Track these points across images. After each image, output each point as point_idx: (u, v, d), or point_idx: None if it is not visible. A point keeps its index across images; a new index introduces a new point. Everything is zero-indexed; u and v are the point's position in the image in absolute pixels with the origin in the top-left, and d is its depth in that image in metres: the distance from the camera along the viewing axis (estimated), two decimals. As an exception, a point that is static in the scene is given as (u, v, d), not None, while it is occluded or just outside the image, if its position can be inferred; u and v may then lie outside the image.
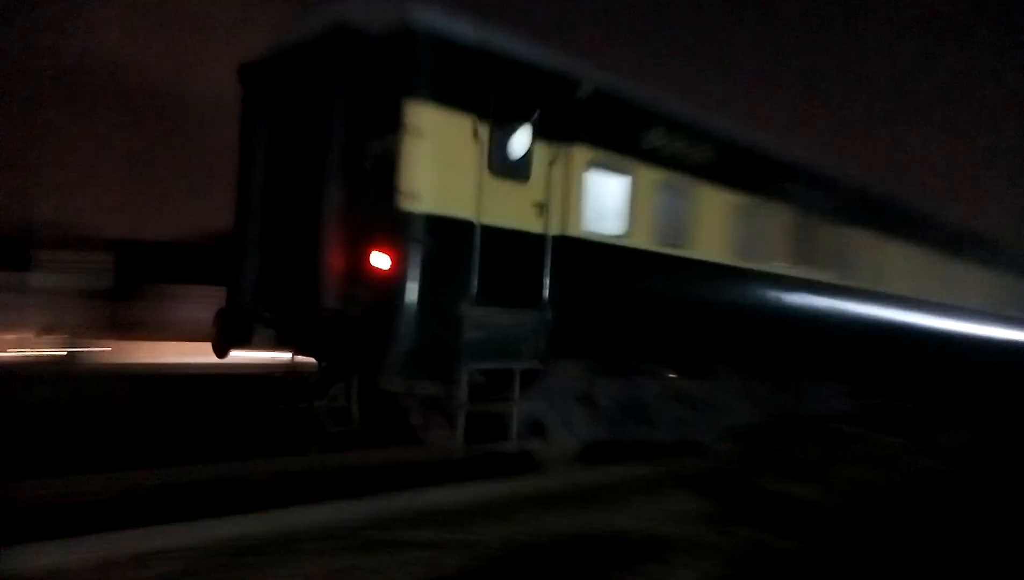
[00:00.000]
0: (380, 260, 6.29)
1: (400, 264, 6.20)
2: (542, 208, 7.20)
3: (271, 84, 7.62)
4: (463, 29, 6.69)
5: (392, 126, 6.24)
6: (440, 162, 6.37)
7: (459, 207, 6.55)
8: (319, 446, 7.66)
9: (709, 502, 7.11)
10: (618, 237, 7.99)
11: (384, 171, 6.29)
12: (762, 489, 7.94)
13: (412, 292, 6.20)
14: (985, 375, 16.52)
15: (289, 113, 7.42)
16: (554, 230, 7.28)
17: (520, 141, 7.07)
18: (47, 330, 21.43)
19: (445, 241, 6.42)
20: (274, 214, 7.51)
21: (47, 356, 19.86)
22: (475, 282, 6.65)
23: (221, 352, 7.68)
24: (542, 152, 7.19)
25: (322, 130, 6.70)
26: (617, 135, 7.94)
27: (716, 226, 9.15)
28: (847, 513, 7.19)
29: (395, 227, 6.23)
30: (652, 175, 8.26)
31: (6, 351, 19.83)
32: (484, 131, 6.67)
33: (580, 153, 7.46)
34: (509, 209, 6.94)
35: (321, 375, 7.59)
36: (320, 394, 7.48)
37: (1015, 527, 7.05)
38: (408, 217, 6.21)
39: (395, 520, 5.84)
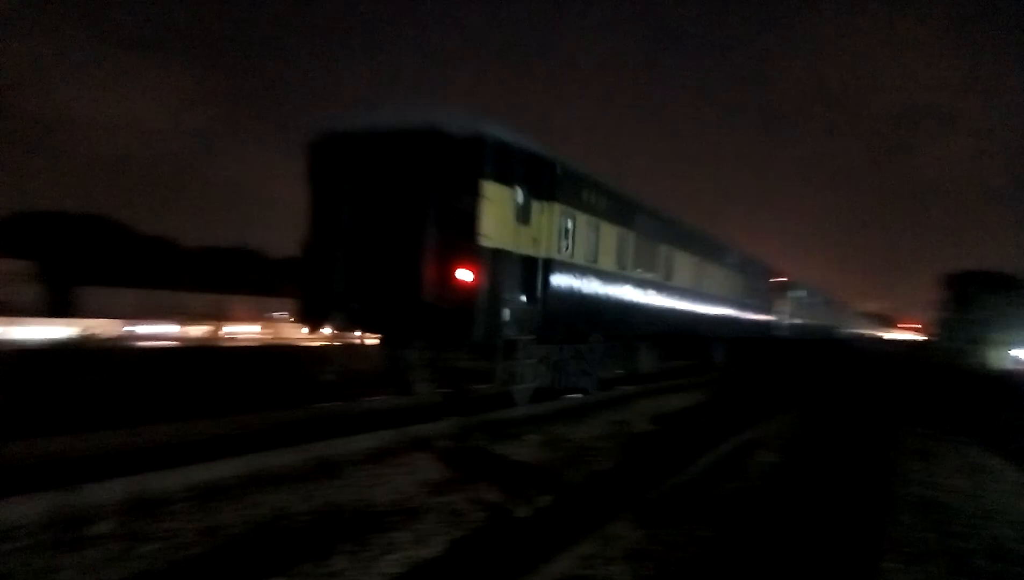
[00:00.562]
0: (464, 274, 10.31)
1: (477, 277, 10.33)
2: (536, 241, 11.75)
3: (357, 152, 11.07)
4: (507, 135, 11.05)
5: (471, 194, 10.41)
6: (497, 216, 10.66)
7: (506, 242, 10.91)
8: (396, 391, 12.32)
9: (452, 468, 7.77)
10: (570, 257, 12.97)
11: (466, 221, 10.37)
12: (495, 454, 8.79)
13: (484, 294, 10.37)
14: (735, 339, 25.83)
15: (378, 175, 10.95)
16: (543, 254, 11.94)
17: (528, 200, 11.50)
18: None
19: (500, 263, 10.72)
20: (361, 241, 10.95)
21: None
22: (513, 287, 11.08)
23: (313, 329, 11.70)
24: (537, 206, 11.77)
25: (419, 192, 10.60)
26: (571, 195, 12.94)
27: (608, 247, 14.73)
28: (561, 472, 8.21)
29: (474, 254, 10.34)
30: (584, 218, 13.50)
31: None
32: (514, 195, 11.05)
33: (556, 207, 12.32)
34: (524, 242, 11.41)
35: (387, 349, 12.06)
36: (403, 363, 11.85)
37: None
38: (482, 249, 10.39)
39: (105, 510, 5.62)
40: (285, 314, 44.82)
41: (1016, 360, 52.17)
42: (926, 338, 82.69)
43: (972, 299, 50.02)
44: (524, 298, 11.51)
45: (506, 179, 10.83)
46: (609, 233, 14.66)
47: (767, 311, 30.03)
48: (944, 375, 31.56)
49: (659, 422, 12.38)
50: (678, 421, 12.74)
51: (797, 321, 35.19)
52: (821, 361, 34.96)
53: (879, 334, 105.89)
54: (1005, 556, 6.30)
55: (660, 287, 17.87)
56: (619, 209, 15.12)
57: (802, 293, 36.73)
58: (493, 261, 10.56)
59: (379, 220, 10.89)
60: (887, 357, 51.98)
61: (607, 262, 14.64)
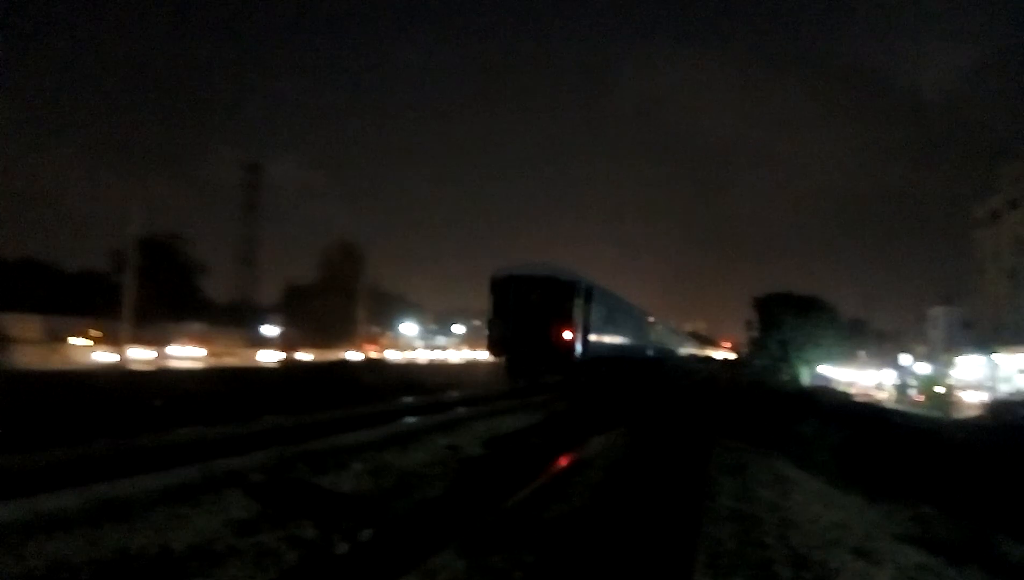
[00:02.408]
0: (568, 335, 22.21)
1: (573, 336, 22.36)
2: (587, 319, 23.48)
3: (516, 282, 22.75)
4: (581, 277, 23.47)
5: (570, 304, 22.59)
6: (577, 312, 22.75)
7: (579, 321, 22.75)
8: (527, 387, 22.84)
9: (265, 504, 7.22)
10: (593, 324, 24.50)
11: (568, 314, 22.42)
12: (316, 486, 8.32)
13: (574, 343, 22.36)
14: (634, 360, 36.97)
15: (527, 293, 22.52)
16: (588, 325, 23.66)
17: (586, 302, 23.47)
18: None
19: (578, 330, 22.56)
20: (519, 321, 22.35)
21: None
22: (581, 339, 22.83)
23: (496, 355, 23.72)
24: (587, 305, 23.64)
25: (548, 303, 22.42)
26: (595, 298, 24.76)
27: (601, 317, 26.08)
28: (386, 502, 7.97)
29: (571, 327, 22.36)
30: (597, 306, 25.04)
31: None
32: (583, 302, 23.17)
33: (592, 304, 24.25)
34: (583, 320, 23.06)
35: (522, 366, 23.31)
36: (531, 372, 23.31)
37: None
38: (574, 323, 22.47)
39: None
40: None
41: (818, 376, 57.29)
42: (740, 357, 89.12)
43: (780, 321, 54.48)
44: (583, 343, 22.85)
45: (580, 297, 22.90)
46: (602, 310, 26.28)
47: (645, 341, 41.95)
48: (755, 391, 34.08)
49: (492, 446, 12.33)
50: (511, 444, 12.77)
51: (656, 346, 47.39)
52: (658, 376, 39.51)
53: (701, 353, 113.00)
54: (803, 563, 6.72)
55: (613, 334, 29.47)
56: (605, 297, 27.01)
57: (660, 326, 50.16)
58: (576, 329, 22.41)
59: (529, 311, 22.43)
60: (707, 373, 55.54)
61: (599, 324, 25.76)
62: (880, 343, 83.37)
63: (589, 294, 23.89)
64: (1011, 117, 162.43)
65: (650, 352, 43.67)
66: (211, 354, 53.35)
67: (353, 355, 63.50)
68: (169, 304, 58.56)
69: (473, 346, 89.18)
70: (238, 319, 71.34)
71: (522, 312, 22.37)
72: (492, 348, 23.75)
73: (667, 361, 52.97)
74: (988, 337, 59.70)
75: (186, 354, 51.29)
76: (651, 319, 44.98)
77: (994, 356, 56.55)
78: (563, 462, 10.85)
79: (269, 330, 65.57)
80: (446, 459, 10.67)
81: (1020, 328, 55.96)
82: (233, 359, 49.65)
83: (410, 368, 47.40)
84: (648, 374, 39.56)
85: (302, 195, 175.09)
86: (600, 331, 26.20)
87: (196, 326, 59.48)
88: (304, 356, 59.35)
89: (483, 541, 6.55)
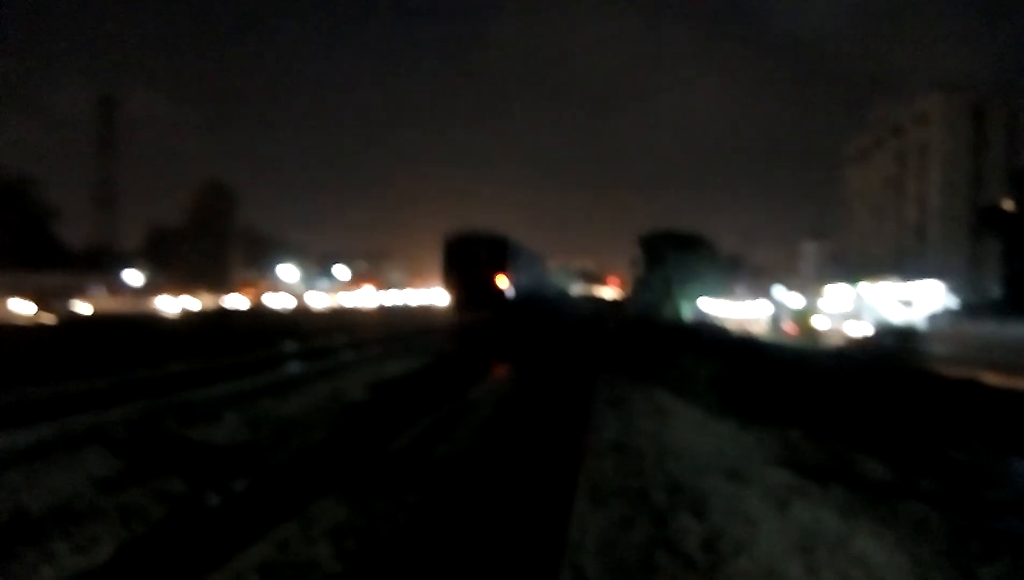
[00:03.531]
0: (503, 282, 28.99)
1: (508, 282, 29.15)
2: (516, 268, 30.05)
3: (463, 242, 29.67)
4: (510, 237, 31.18)
5: (503, 256, 29.48)
6: (510, 263, 29.56)
7: (510, 270, 29.53)
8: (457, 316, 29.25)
9: (131, 460, 6.90)
10: (520, 272, 31.23)
11: (503, 264, 29.26)
12: (186, 438, 8.01)
13: (508, 287, 29.15)
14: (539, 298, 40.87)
15: (471, 249, 29.22)
16: (517, 273, 30.37)
17: (515, 256, 30.43)
18: None
19: (511, 276, 29.33)
20: (464, 272, 28.81)
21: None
22: (514, 284, 29.49)
23: (449, 296, 30.11)
24: (517, 257, 30.81)
25: (487, 256, 29.17)
26: (521, 253, 32.42)
27: (524, 268, 32.56)
28: (263, 452, 7.72)
29: (506, 274, 29.10)
30: (521, 259, 31.82)
31: None
32: (512, 254, 30.06)
33: (519, 258, 31.33)
34: (513, 269, 29.75)
35: (468, 304, 29.21)
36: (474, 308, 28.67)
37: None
38: (507, 272, 29.20)
39: None
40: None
41: (699, 311, 59.75)
42: (626, 294, 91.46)
43: (664, 257, 56.07)
44: (514, 287, 28.70)
45: (510, 252, 29.31)
46: (524, 262, 32.08)
47: (547, 283, 47.48)
48: (639, 327, 35.18)
49: (377, 390, 12.09)
50: (397, 388, 12.58)
51: (553, 287, 53.05)
52: (553, 314, 40.54)
53: (590, 292, 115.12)
54: (679, 489, 6.96)
55: (529, 280, 34.06)
56: (525, 252, 33.39)
57: (556, 270, 58.54)
58: (509, 276, 28.42)
59: (473, 264, 28.35)
60: (595, 311, 56.89)
61: (522, 272, 31.06)
62: (756, 277, 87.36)
63: (517, 251, 31.58)
64: (882, 58, 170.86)
65: (549, 292, 48.76)
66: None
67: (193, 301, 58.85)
68: (19, 251, 54.22)
69: (355, 288, 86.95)
70: (96, 266, 64.82)
71: (469, 264, 29.43)
72: (446, 290, 31.41)
73: (561, 300, 54.42)
74: (854, 269, 63.73)
75: None
76: (549, 265, 53.30)
77: (859, 286, 60.49)
78: (450, 402, 10.81)
79: (132, 276, 60.08)
80: (328, 406, 10.42)
81: (883, 260, 60.06)
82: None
83: (287, 314, 45.29)
84: (546, 312, 42.04)
85: (166, 132, 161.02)
86: (522, 278, 33.04)
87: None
88: (86, 307, 50.23)
89: (366, 486, 6.47)
